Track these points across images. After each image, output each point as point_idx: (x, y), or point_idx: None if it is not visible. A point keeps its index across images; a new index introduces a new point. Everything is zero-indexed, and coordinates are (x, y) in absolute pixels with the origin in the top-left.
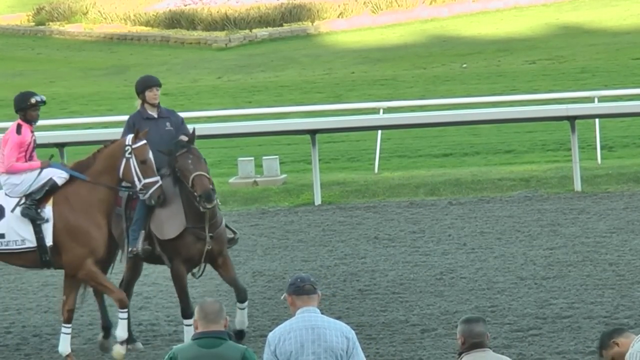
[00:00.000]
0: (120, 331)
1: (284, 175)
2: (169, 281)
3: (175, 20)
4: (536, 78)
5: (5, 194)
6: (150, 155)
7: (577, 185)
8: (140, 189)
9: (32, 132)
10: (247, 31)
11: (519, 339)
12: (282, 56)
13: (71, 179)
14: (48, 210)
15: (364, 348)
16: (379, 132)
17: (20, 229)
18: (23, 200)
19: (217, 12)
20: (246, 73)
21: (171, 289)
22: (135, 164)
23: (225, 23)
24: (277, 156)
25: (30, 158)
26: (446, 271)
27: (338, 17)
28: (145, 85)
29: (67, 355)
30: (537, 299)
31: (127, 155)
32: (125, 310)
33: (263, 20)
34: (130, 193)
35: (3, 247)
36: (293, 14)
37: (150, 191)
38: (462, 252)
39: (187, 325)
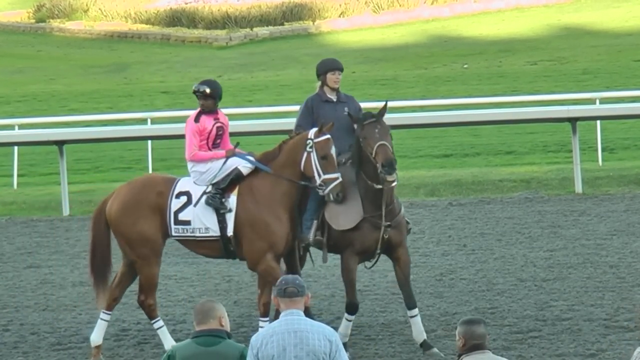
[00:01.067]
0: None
1: None
2: (167, 280)
3: (176, 18)
4: (537, 79)
5: (193, 182)
6: (333, 150)
7: (578, 187)
8: (320, 185)
9: (215, 119)
10: (248, 30)
11: (519, 341)
12: (283, 55)
13: (256, 170)
14: (232, 200)
15: (363, 349)
16: None
17: (205, 217)
18: (209, 189)
19: (218, 10)
20: (247, 72)
21: (170, 288)
22: (316, 158)
23: (226, 21)
24: None
25: (216, 146)
26: (446, 272)
27: (339, 16)
28: (327, 67)
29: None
30: (537, 301)
31: (308, 149)
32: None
33: (264, 19)
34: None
35: (188, 234)
36: (294, 13)
37: (330, 187)
38: (462, 253)
39: (348, 320)
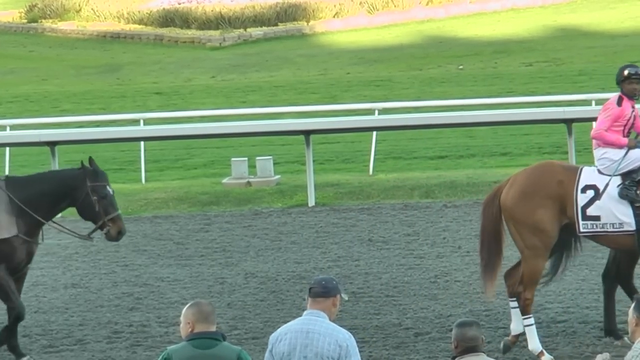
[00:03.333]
0: None
1: (277, 176)
2: (160, 282)
3: (169, 18)
4: (533, 80)
5: (599, 172)
6: None
7: None
8: None
9: (632, 107)
10: (241, 30)
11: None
12: (276, 56)
13: None
14: None
15: None
16: (374, 133)
17: (619, 211)
18: (620, 181)
19: (212, 10)
20: (240, 73)
21: (162, 290)
22: None
23: (219, 22)
24: (270, 157)
25: (628, 135)
26: (440, 274)
27: (334, 17)
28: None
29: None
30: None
31: None
32: None
33: (258, 20)
34: None
35: (597, 230)
36: (288, 14)
37: None
38: (456, 255)
39: None
